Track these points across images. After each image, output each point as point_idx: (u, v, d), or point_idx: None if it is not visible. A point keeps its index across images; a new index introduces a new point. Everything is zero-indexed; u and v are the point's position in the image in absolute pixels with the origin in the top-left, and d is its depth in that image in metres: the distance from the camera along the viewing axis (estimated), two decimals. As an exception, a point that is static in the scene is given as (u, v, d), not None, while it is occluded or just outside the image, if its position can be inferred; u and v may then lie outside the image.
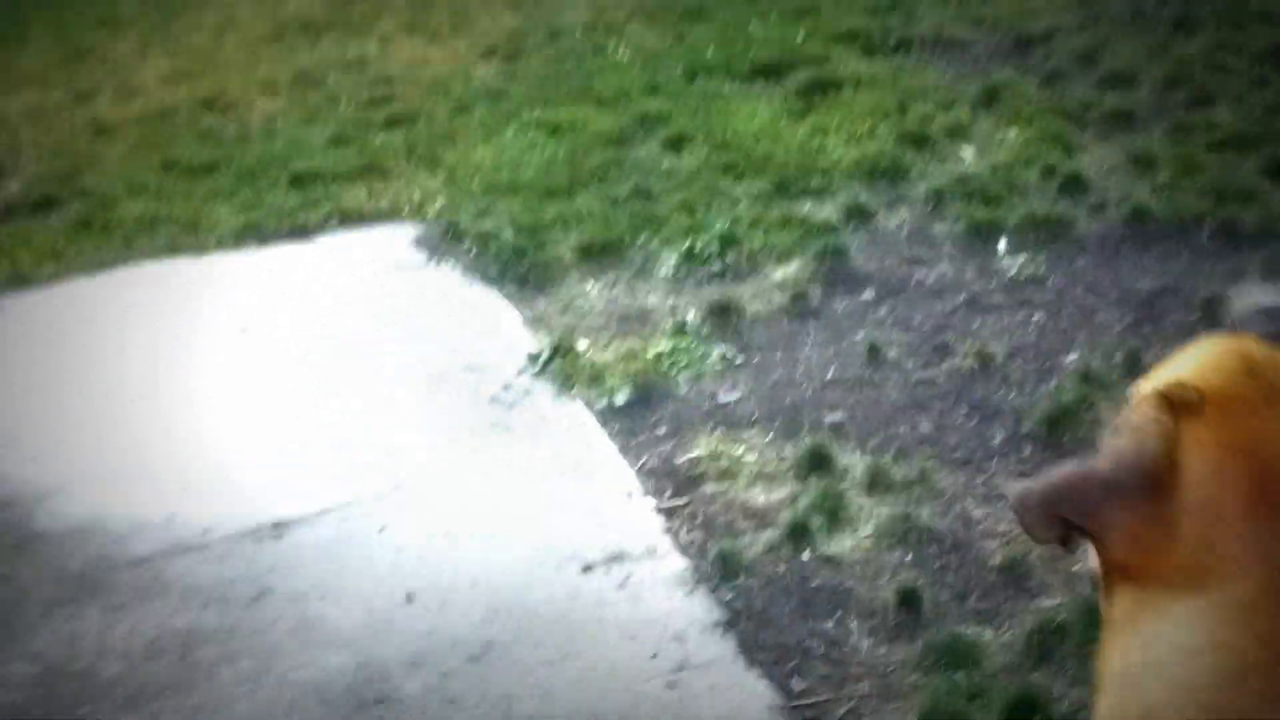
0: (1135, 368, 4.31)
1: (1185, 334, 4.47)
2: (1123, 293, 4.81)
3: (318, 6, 9.08)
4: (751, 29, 7.78)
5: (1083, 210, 5.36)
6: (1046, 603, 3.44)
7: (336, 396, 4.61)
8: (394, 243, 5.68)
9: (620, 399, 4.49)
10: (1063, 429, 4.09)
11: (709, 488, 4.05)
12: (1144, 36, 6.99)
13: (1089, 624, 3.30)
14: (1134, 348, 4.43)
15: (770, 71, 7.12)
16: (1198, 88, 6.28)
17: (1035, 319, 4.74)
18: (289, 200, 6.08)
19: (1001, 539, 3.69)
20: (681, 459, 4.19)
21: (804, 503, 3.89)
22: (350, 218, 5.92)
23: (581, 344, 4.81)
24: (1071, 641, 3.26)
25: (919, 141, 6.09)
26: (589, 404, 4.48)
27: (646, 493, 4.04)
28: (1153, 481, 1.31)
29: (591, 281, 5.24)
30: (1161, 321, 4.61)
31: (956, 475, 3.99)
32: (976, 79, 6.79)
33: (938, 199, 5.58)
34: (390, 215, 5.93)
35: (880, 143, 6.11)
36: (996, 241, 5.22)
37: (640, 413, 4.44)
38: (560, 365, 4.68)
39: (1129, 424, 1.38)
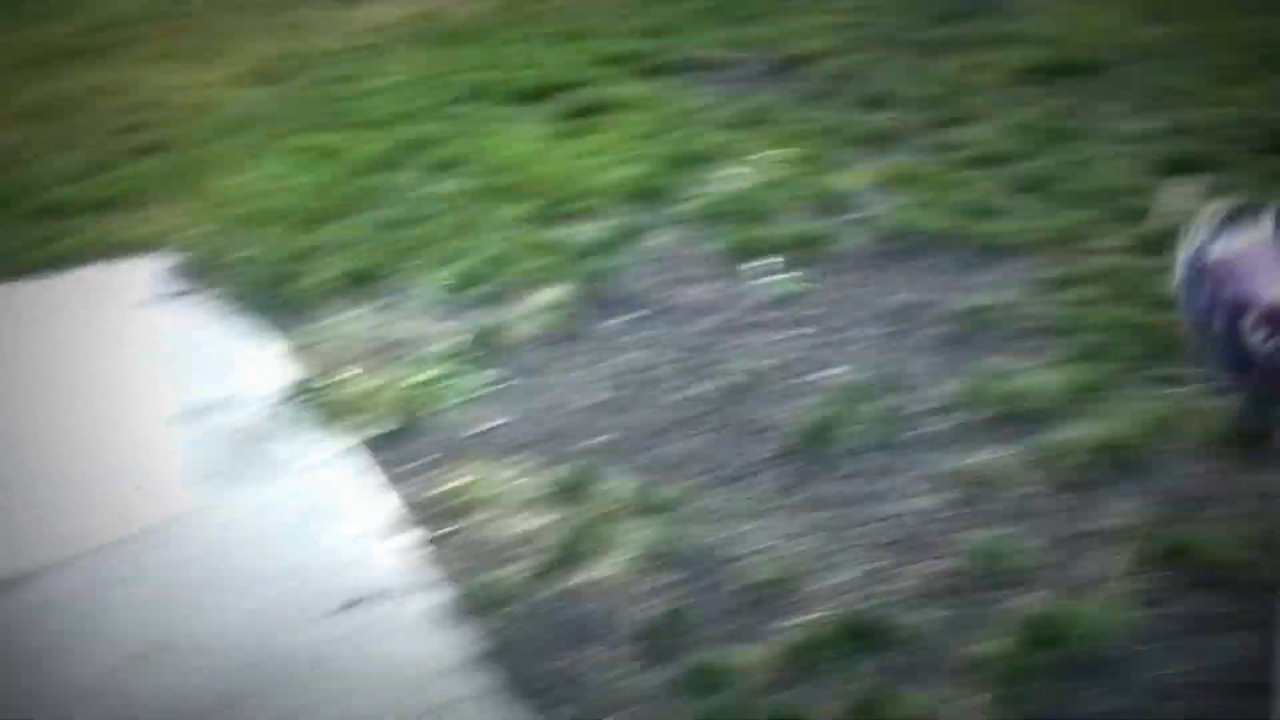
0: (893, 380, 4.39)
1: (939, 345, 4.58)
2: (881, 307, 4.88)
3: (68, 33, 8.76)
4: (521, 52, 7.75)
5: (843, 228, 5.43)
6: (808, 617, 3.44)
7: (85, 438, 4.41)
8: (149, 274, 5.48)
9: (384, 429, 4.40)
10: (825, 441, 4.12)
11: (475, 517, 3.97)
12: (901, 58, 7.15)
13: (848, 638, 3.33)
14: (891, 360, 4.49)
15: (540, 94, 7.09)
16: (953, 106, 6.43)
17: (799, 335, 4.77)
18: (38, 232, 5.84)
19: (764, 556, 3.69)
20: (447, 488, 4.10)
21: (570, 527, 3.85)
22: (103, 249, 5.71)
23: (344, 374, 4.70)
24: (828, 656, 3.27)
25: (686, 162, 6.11)
26: (352, 435, 4.37)
27: (411, 525, 3.95)
28: None
29: (355, 309, 5.13)
30: (917, 333, 4.68)
31: (723, 492, 3.99)
32: (742, 100, 6.86)
33: (704, 219, 5.60)
34: (146, 246, 5.73)
35: (648, 164, 6.12)
36: (761, 260, 5.25)
37: (405, 442, 4.35)
38: (321, 397, 4.56)
39: None
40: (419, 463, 4.23)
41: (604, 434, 4.32)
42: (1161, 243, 4.90)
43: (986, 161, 5.82)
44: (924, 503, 3.84)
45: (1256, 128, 5.83)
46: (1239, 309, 1.60)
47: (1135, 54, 6.87)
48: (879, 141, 6.22)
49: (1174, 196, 5.19)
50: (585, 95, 6.97)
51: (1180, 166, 5.47)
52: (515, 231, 5.57)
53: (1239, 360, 1.63)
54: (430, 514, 3.98)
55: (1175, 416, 4.02)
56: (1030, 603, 3.38)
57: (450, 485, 4.10)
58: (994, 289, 4.86)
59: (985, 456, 3.97)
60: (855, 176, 5.87)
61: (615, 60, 7.51)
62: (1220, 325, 1.65)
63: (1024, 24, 7.39)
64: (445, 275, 5.25)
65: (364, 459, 4.25)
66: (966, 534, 3.68)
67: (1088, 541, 3.60)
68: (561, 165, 6.20)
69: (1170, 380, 4.23)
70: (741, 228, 5.46)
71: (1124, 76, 6.62)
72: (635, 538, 3.79)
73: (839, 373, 4.50)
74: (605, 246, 5.43)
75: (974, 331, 4.63)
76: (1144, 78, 6.57)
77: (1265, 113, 5.94)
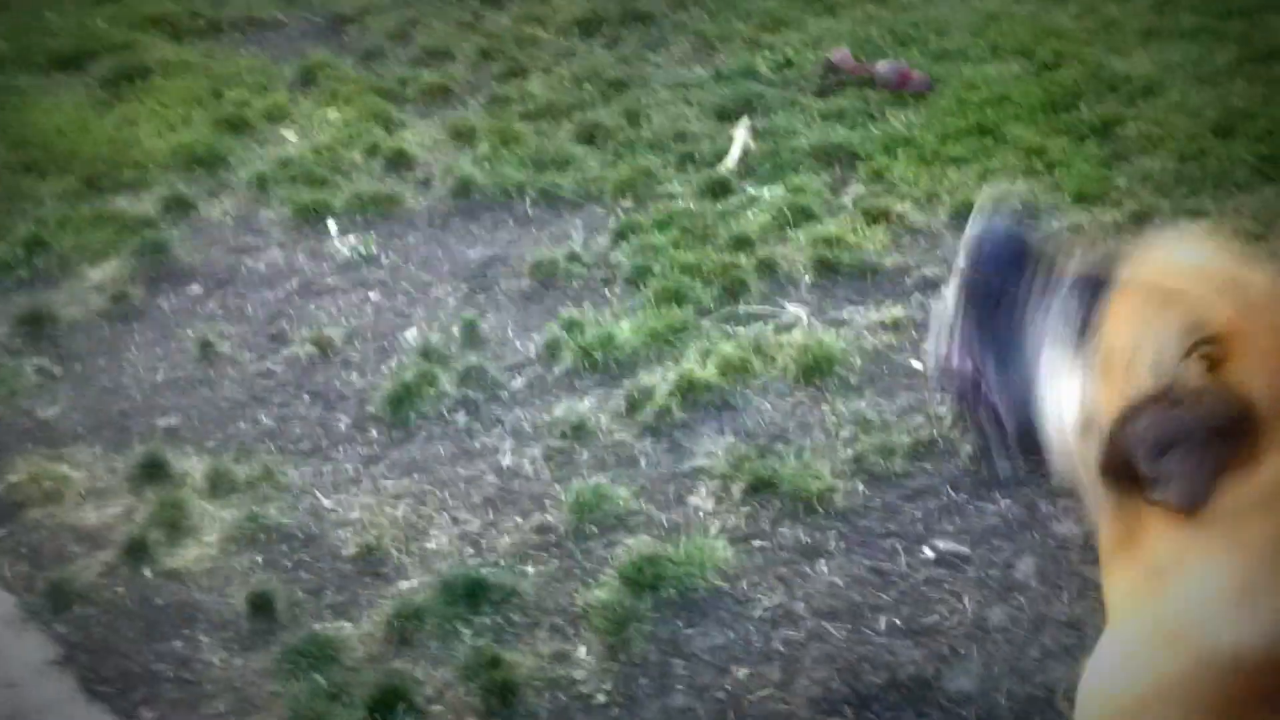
0: (472, 338, 4.32)
1: (517, 299, 4.53)
2: (454, 265, 4.80)
3: None
4: (48, 17, 7.19)
5: (409, 187, 5.31)
6: (404, 586, 3.34)
7: None
8: None
9: (-79, 429, 4.00)
10: (406, 407, 4.00)
11: (33, 513, 3.67)
12: (455, 12, 7.05)
13: (448, 602, 3.24)
14: (469, 318, 4.41)
15: (71, 61, 6.60)
16: (510, 60, 6.40)
17: (371, 299, 4.63)
18: None
19: (354, 527, 3.56)
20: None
21: (141, 516, 3.61)
22: None
23: None
24: (431, 622, 3.18)
25: (237, 127, 5.83)
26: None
27: (-39, 529, 3.61)
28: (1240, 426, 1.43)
29: (-124, 301, 4.65)
30: (493, 289, 4.63)
31: (302, 467, 3.82)
32: (292, 60, 6.60)
33: (261, 185, 5.36)
34: None
35: (196, 130, 5.80)
36: (325, 224, 5.07)
37: (-54, 442, 3.97)
38: None
39: (1186, 390, 1.45)
40: (-37, 463, 3.88)
41: (170, 415, 4.07)
42: (727, 187, 5.08)
43: (547, 114, 5.81)
44: (513, 460, 3.79)
45: (799, 69, 6.06)
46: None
47: (685, 2, 6.99)
48: (438, 97, 6.12)
49: (740, 139, 5.33)
50: (124, 60, 6.53)
51: (734, 112, 5.63)
52: (56, 208, 5.16)
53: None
54: (-18, 516, 3.65)
55: (750, 356, 4.11)
56: (629, 549, 3.38)
57: (5, 481, 3.76)
58: (565, 241, 4.86)
59: (571, 409, 3.95)
60: (416, 134, 5.75)
61: (152, 23, 7.07)
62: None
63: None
64: (-19, 258, 4.83)
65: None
66: (560, 487, 3.66)
67: (680, 484, 3.64)
68: (103, 135, 5.80)
69: (742, 320, 4.33)
70: (302, 191, 5.24)
71: (676, 25, 6.72)
72: (215, 521, 3.58)
73: (416, 335, 4.39)
74: (157, 219, 5.11)
75: (549, 285, 4.61)
76: (693, 25, 6.70)
77: (807, 55, 6.17)
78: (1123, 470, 1.52)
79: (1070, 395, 1.62)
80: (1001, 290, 1.74)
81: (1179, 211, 4.67)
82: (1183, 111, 5.28)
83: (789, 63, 6.17)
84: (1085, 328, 1.60)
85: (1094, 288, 1.61)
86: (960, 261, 1.77)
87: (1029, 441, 1.74)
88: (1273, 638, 1.46)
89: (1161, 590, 1.55)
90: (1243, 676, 1.49)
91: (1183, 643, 1.51)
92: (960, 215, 4.45)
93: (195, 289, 4.73)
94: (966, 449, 3.61)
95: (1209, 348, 1.45)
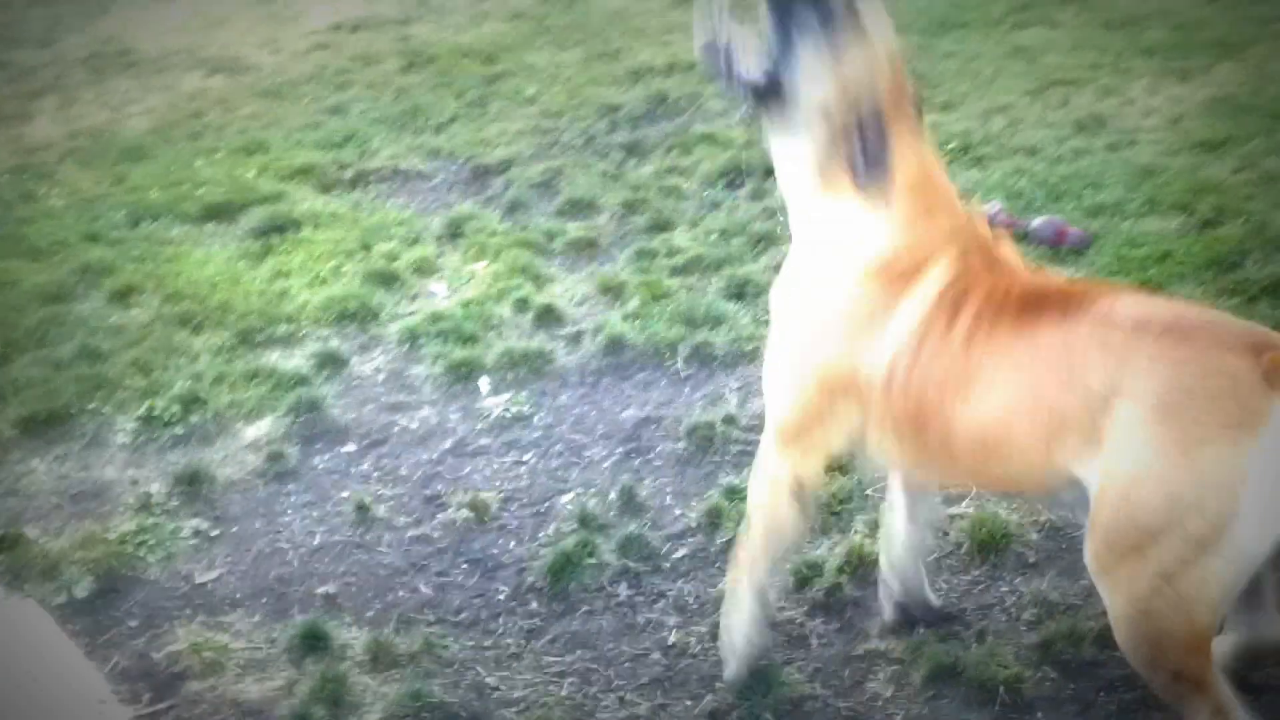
0: (631, 504, 4.23)
1: (674, 463, 4.44)
2: (608, 426, 4.73)
3: None
4: (198, 167, 7.36)
5: (559, 343, 5.28)
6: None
7: None
8: None
9: (81, 591, 4.00)
10: (566, 578, 3.92)
11: (193, 685, 3.62)
12: (598, 164, 7.08)
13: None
14: (627, 483, 4.33)
15: (222, 212, 6.72)
16: (655, 212, 6.38)
17: (525, 461, 4.58)
18: None
19: (518, 706, 3.46)
20: (159, 654, 3.73)
21: (303, 691, 3.53)
22: None
23: (30, 532, 4.25)
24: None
25: (386, 280, 5.86)
26: (44, 601, 3.94)
27: (121, 699, 3.56)
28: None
29: (37, 459, 4.67)
30: (649, 452, 4.55)
31: (463, 640, 3.74)
32: (438, 212, 6.66)
33: (412, 340, 5.36)
34: None
35: (346, 283, 5.84)
36: (477, 381, 5.05)
37: (107, 605, 3.96)
38: (7, 559, 4.11)
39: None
40: (127, 626, 3.85)
41: (328, 582, 4.02)
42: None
43: (694, 268, 5.76)
44: (679, 637, 3.69)
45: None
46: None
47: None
48: (584, 250, 6.12)
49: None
50: (274, 211, 6.63)
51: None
52: (211, 363, 5.20)
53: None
54: (144, 685, 3.61)
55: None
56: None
57: (165, 650, 3.73)
58: (720, 402, 4.78)
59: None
60: (564, 289, 5.74)
61: (300, 174, 7.20)
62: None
63: (715, 126, 7.42)
64: (138, 414, 4.84)
65: (63, 626, 3.82)
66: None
67: (855, 667, 3.52)
68: (254, 287, 5.86)
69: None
70: (453, 347, 5.23)
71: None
72: (377, 698, 3.50)
73: (573, 499, 4.32)
74: (310, 375, 5.12)
75: (706, 448, 4.52)
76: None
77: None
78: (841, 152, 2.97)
79: (821, 89, 2.97)
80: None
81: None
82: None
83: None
84: (831, 40, 2.95)
85: (837, 11, 2.95)
86: None
87: (760, 109, 3.08)
88: (885, 255, 3.00)
89: (840, 224, 3.03)
90: (877, 265, 3.00)
91: (848, 249, 3.03)
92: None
93: (349, 448, 4.71)
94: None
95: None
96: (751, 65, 3.03)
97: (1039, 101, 7.52)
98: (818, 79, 2.97)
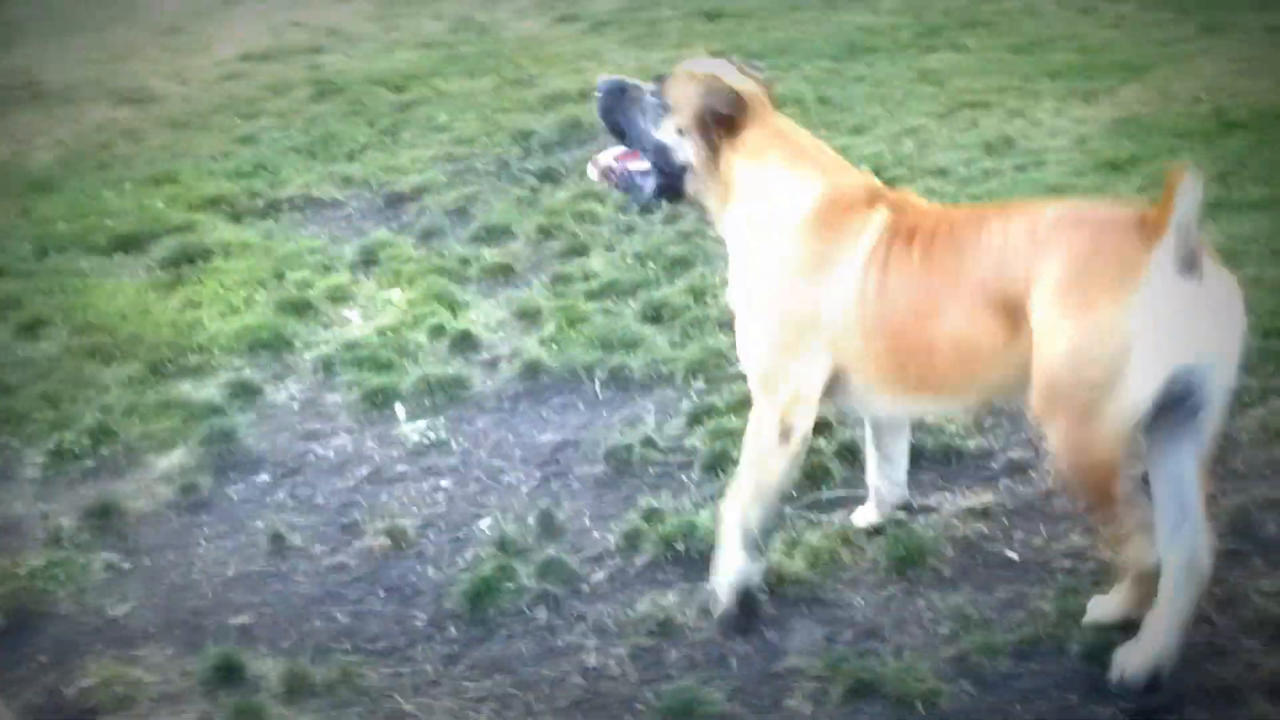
0: (549, 528, 4.21)
1: (592, 485, 4.43)
2: (526, 450, 4.72)
3: None
4: (106, 198, 7.27)
5: (476, 369, 5.26)
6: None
7: None
8: None
9: (-12, 630, 3.91)
10: (485, 603, 3.89)
11: (106, 720, 3.55)
12: (513, 189, 7.08)
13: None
14: (545, 507, 4.31)
15: (131, 243, 6.66)
16: (570, 237, 6.38)
17: (443, 487, 4.55)
18: None
19: (437, 734, 3.43)
20: (70, 690, 3.67)
21: (218, 725, 3.48)
22: None
23: (-65, 570, 4.17)
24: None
25: (300, 308, 5.82)
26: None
27: (32, 739, 3.49)
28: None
29: (-58, 495, 4.59)
30: (568, 475, 4.54)
31: (381, 669, 3.70)
32: (352, 240, 6.63)
33: (327, 368, 5.32)
34: None
35: (260, 313, 5.79)
36: (393, 408, 5.01)
37: (16, 641, 3.90)
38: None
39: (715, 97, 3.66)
40: (37, 662, 3.78)
41: (243, 613, 3.97)
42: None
43: (611, 292, 5.76)
44: (599, 660, 3.66)
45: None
46: None
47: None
48: (500, 276, 6.11)
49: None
50: (185, 241, 6.57)
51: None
52: (122, 394, 5.13)
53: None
54: (55, 722, 3.54)
55: (838, 547, 4.00)
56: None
57: (77, 685, 3.66)
58: (638, 424, 4.78)
59: (656, 604, 3.83)
60: (481, 315, 5.72)
61: (213, 202, 7.14)
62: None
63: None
64: (47, 448, 4.77)
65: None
66: (649, 689, 3.52)
67: (774, 685, 3.50)
68: (165, 318, 5.80)
69: (825, 507, 4.23)
70: (369, 375, 5.20)
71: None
72: (294, 730, 3.46)
73: (492, 524, 4.30)
74: (223, 404, 5.07)
75: (624, 471, 4.52)
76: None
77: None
78: (707, 140, 3.63)
79: (669, 132, 3.68)
80: (621, 114, 3.75)
81: (1267, 391, 4.57)
82: (1262, 286, 5.18)
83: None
84: (663, 103, 3.68)
85: (657, 85, 3.71)
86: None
87: (668, 186, 3.75)
88: (813, 193, 3.60)
89: (741, 194, 3.65)
90: (805, 219, 3.56)
91: (776, 216, 3.60)
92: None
93: (264, 478, 4.66)
94: (1074, 648, 3.48)
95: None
96: (634, 163, 3.78)
97: (948, 124, 7.61)
98: (666, 127, 3.70)
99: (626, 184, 3.81)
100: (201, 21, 11.54)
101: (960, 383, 3.49)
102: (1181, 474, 3.27)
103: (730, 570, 3.74)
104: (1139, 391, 3.08)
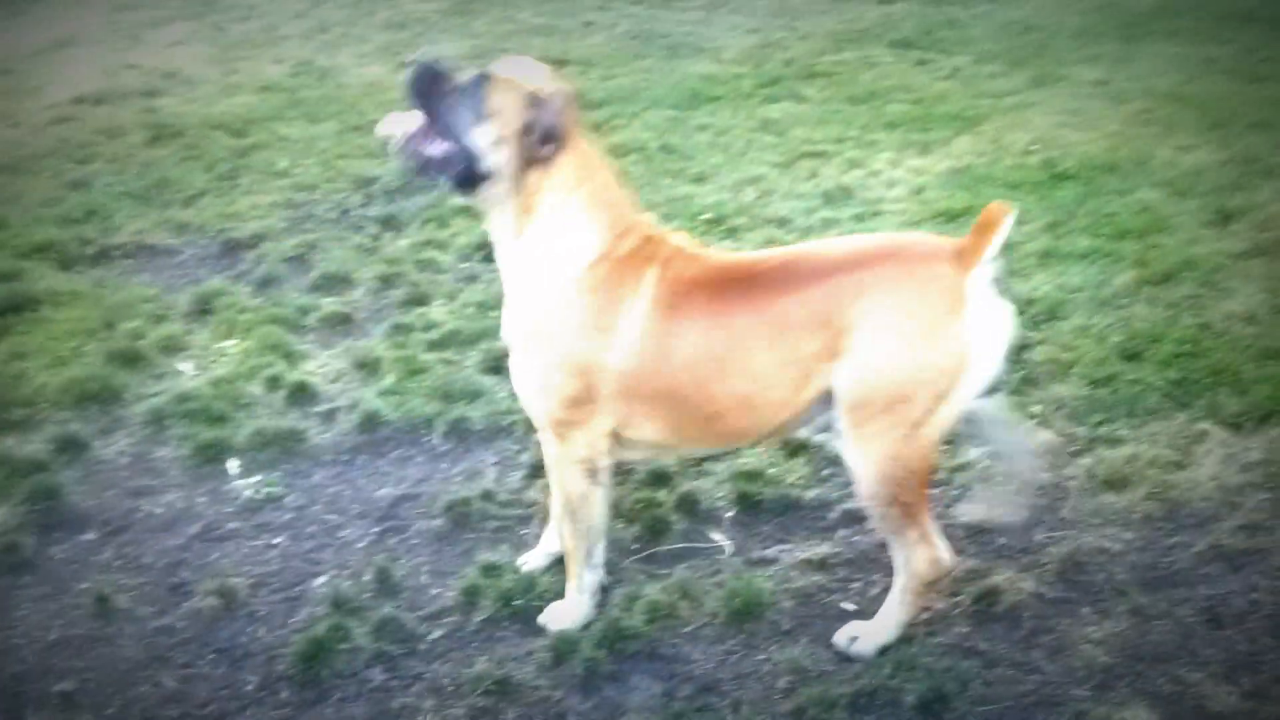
0: (386, 584, 4.14)
1: (431, 540, 4.37)
2: (364, 505, 4.64)
3: None
4: (-73, 246, 7.01)
5: (313, 421, 5.16)
6: None
7: None
8: None
9: None
10: (318, 665, 3.81)
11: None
12: (353, 237, 6.99)
13: None
14: (382, 563, 4.24)
15: (-47, 292, 6.41)
16: (411, 286, 6.31)
17: (277, 543, 4.45)
18: None
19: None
20: (-124, 765, 3.50)
21: (34, 798, 3.34)
22: None
23: None
24: None
25: (131, 360, 5.65)
26: None
27: None
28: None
29: None
30: (406, 530, 4.47)
31: (210, 735, 3.59)
32: (187, 288, 6.47)
33: (158, 421, 5.18)
34: None
35: (88, 364, 5.61)
36: (226, 463, 4.90)
37: None
38: None
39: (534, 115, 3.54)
40: None
41: (65, 679, 3.83)
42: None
43: (452, 342, 5.71)
44: (436, 720, 3.60)
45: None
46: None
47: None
48: (339, 325, 6.01)
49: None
50: (10, 290, 6.34)
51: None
52: (-62, 451, 4.93)
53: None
54: None
55: (677, 600, 4.00)
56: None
57: (-119, 765, 3.49)
58: (478, 477, 4.73)
59: (494, 662, 3.79)
60: (318, 365, 5.62)
61: (40, 249, 6.90)
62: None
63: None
64: None
65: None
66: (487, 750, 3.47)
67: (611, 744, 3.48)
68: (-11, 371, 5.59)
69: (662, 561, 4.22)
70: (201, 428, 5.07)
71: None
72: (115, 802, 3.33)
73: (327, 582, 4.21)
74: (48, 460, 4.89)
75: (463, 524, 4.47)
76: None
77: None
78: (522, 159, 3.52)
79: (485, 137, 3.53)
80: (435, 99, 3.59)
81: (1094, 440, 4.68)
82: (1088, 335, 5.34)
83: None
84: (480, 105, 3.53)
85: (478, 83, 3.55)
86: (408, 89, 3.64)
87: (467, 176, 3.58)
88: (604, 241, 3.57)
89: (540, 224, 3.58)
90: (587, 269, 3.55)
91: (560, 254, 3.57)
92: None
93: (90, 536, 4.51)
94: (910, 699, 3.51)
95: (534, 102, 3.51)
96: (434, 146, 3.62)
97: (789, 173, 7.71)
98: (482, 131, 3.55)
99: (420, 166, 3.65)
100: (32, 63, 11.23)
101: (741, 431, 3.71)
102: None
103: (575, 609, 3.93)
104: (969, 395, 3.49)
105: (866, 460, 3.52)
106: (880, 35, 11.54)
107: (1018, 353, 5.28)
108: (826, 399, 3.54)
